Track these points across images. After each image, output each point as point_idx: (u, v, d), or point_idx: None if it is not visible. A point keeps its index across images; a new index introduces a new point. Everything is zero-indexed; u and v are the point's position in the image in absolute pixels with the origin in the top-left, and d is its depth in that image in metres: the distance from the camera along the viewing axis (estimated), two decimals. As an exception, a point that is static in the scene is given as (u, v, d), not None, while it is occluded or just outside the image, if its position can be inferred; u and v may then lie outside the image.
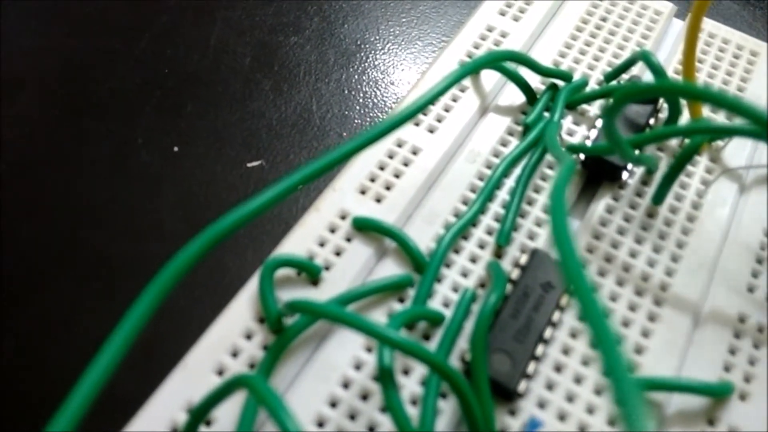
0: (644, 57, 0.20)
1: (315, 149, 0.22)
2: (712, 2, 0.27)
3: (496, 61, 0.20)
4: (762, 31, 0.27)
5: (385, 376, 0.14)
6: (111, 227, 0.21)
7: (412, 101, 0.17)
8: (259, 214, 0.14)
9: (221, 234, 0.13)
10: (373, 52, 0.25)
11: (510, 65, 0.21)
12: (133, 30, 0.25)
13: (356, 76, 0.24)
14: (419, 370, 0.16)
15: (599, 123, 0.20)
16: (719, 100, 0.12)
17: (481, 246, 0.18)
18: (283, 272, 0.17)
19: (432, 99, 0.17)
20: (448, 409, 0.15)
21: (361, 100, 0.24)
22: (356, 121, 0.23)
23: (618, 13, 0.24)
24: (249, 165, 0.22)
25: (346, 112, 0.23)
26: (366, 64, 0.25)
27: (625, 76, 0.22)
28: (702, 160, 0.20)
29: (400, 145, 0.20)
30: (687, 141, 0.20)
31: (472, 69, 0.19)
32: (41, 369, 0.18)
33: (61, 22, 0.25)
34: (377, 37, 0.26)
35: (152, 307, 0.12)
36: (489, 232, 0.19)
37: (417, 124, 0.20)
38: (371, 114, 0.23)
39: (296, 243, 0.18)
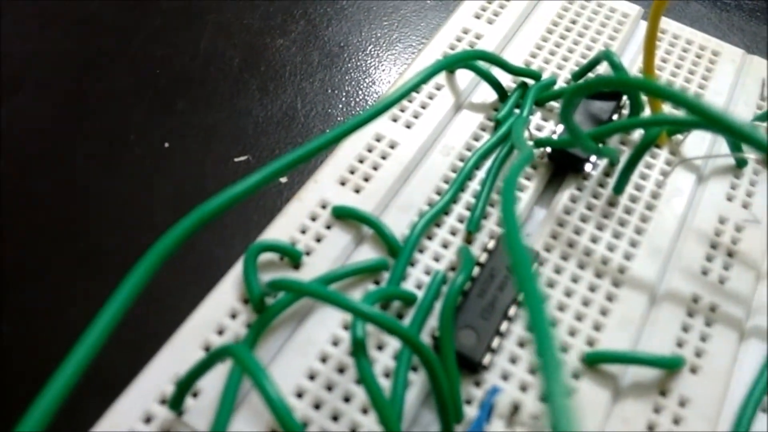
0: (607, 56, 0.21)
1: (299, 144, 0.24)
2: (679, 2, 0.29)
3: (468, 59, 0.21)
4: (727, 32, 0.29)
5: (358, 349, 0.15)
6: (105, 219, 0.22)
7: (388, 93, 0.18)
8: (241, 198, 0.15)
9: (204, 217, 0.14)
10: (355, 53, 0.26)
11: (482, 65, 0.22)
12: (127, 32, 0.27)
13: (339, 76, 0.26)
14: (392, 345, 0.17)
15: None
16: (652, 89, 0.13)
17: (453, 233, 0.20)
18: (266, 257, 0.19)
19: (407, 92, 0.19)
20: (418, 381, 0.17)
21: (343, 99, 0.25)
22: (339, 118, 0.24)
23: (587, 16, 0.25)
24: (236, 160, 0.23)
25: (329, 110, 0.25)
26: (348, 65, 0.26)
27: (591, 75, 0.23)
28: (662, 153, 0.21)
29: (378, 140, 0.21)
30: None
31: (444, 66, 0.20)
32: (36, 353, 0.20)
33: (58, 24, 0.27)
34: (360, 39, 0.27)
35: (139, 284, 0.13)
36: (460, 220, 0.20)
37: (395, 120, 0.22)
38: (353, 111, 0.25)
39: (279, 230, 0.19)
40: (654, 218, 0.20)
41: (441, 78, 0.23)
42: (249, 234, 0.20)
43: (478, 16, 0.25)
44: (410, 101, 0.22)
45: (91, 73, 0.25)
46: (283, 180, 0.23)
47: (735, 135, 0.13)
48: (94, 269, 0.21)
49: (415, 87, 0.19)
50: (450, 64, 0.21)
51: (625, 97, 0.22)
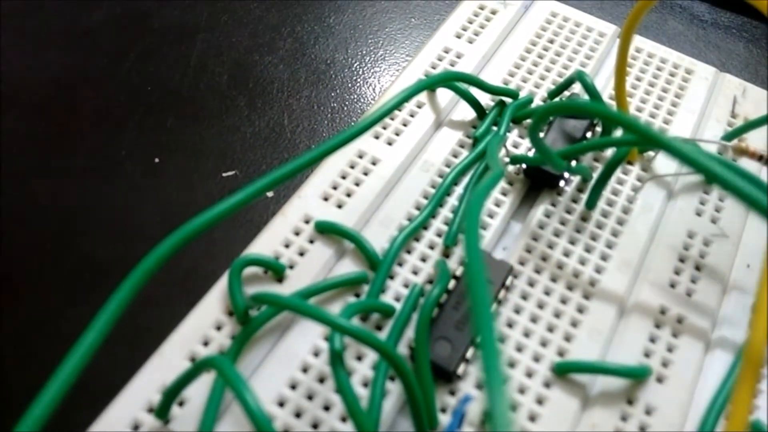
0: (579, 77, 0.22)
1: (286, 160, 0.24)
2: (657, 20, 0.29)
3: (447, 80, 0.22)
4: (704, 50, 0.30)
5: (336, 361, 0.16)
6: (96, 233, 0.23)
7: (370, 112, 0.19)
8: (226, 215, 0.16)
9: (188, 235, 0.15)
10: (341, 70, 0.27)
11: (462, 84, 0.23)
12: (119, 51, 0.27)
13: (325, 93, 0.26)
14: (371, 355, 0.18)
15: (541, 136, 0.22)
16: (604, 115, 0.14)
17: (431, 247, 0.20)
18: (251, 271, 0.19)
19: (388, 111, 0.19)
20: (395, 389, 0.17)
21: (329, 116, 0.26)
22: (324, 134, 0.25)
23: (565, 35, 0.26)
24: (224, 175, 0.24)
25: (315, 126, 0.25)
26: (334, 82, 0.27)
27: (567, 93, 0.24)
28: (634, 169, 0.22)
29: (360, 156, 0.22)
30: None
31: (424, 87, 0.21)
32: (27, 365, 0.20)
33: (52, 43, 0.27)
34: (346, 57, 0.28)
35: (126, 299, 0.14)
36: (439, 234, 0.21)
37: (377, 137, 0.23)
38: (338, 128, 0.25)
39: (264, 245, 0.20)
40: (625, 233, 0.21)
41: (422, 96, 0.23)
42: (235, 247, 0.20)
43: (459, 36, 0.26)
44: (392, 119, 0.23)
45: (84, 91, 0.26)
46: (270, 194, 0.23)
47: (673, 153, 0.14)
48: (86, 282, 0.22)
49: (396, 106, 0.20)
50: (429, 85, 0.21)
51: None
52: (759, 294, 0.13)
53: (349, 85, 0.27)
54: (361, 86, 0.27)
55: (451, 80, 0.22)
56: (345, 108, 0.26)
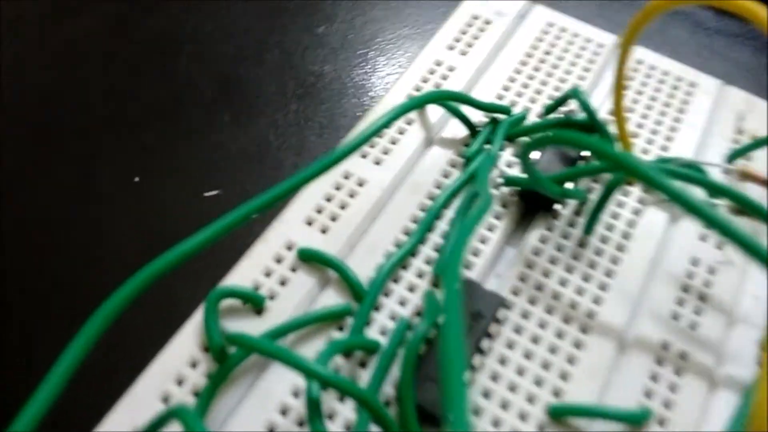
0: (575, 95, 0.21)
1: (271, 178, 0.23)
2: (660, 28, 0.28)
3: (437, 100, 0.21)
4: (708, 59, 0.29)
5: (313, 410, 0.15)
6: (71, 255, 0.22)
7: (353, 136, 0.18)
8: (205, 245, 0.15)
9: (163, 268, 0.14)
10: (330, 83, 0.26)
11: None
12: (102, 61, 0.26)
13: (312, 107, 0.25)
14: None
15: (537, 156, 0.21)
16: (596, 150, 0.13)
17: (420, 275, 0.19)
18: (229, 301, 0.18)
19: (373, 133, 0.18)
20: (379, 434, 0.16)
21: (317, 131, 0.25)
22: (312, 151, 0.24)
23: (561, 47, 0.25)
24: (206, 195, 0.23)
25: (303, 143, 0.24)
26: (323, 95, 0.26)
27: (564, 108, 0.23)
28: (634, 191, 0.21)
29: (346, 177, 0.21)
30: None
31: (412, 107, 0.20)
32: None
33: (34, 54, 0.26)
34: (335, 69, 0.27)
35: (95, 334, 0.13)
36: (428, 262, 0.19)
37: (364, 156, 0.21)
38: (327, 144, 0.24)
39: (243, 273, 0.19)
40: (624, 260, 0.20)
41: (411, 113, 0.22)
42: (215, 272, 0.19)
43: (451, 47, 0.25)
44: (380, 136, 0.22)
45: (63, 104, 0.25)
46: (253, 216, 0.22)
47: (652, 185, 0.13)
48: (59, 307, 0.21)
49: (382, 128, 0.19)
50: (417, 105, 0.20)
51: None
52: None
53: (339, 98, 0.26)
54: (351, 99, 0.26)
55: (440, 99, 0.21)
56: (334, 123, 0.25)
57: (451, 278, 0.12)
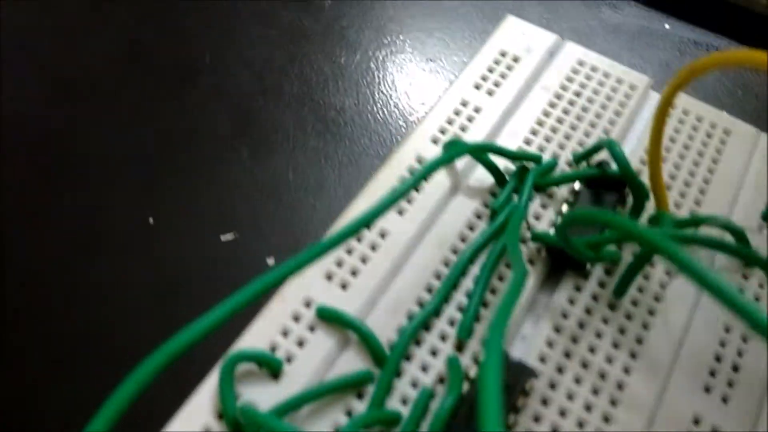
0: (609, 146, 0.20)
1: (288, 221, 0.23)
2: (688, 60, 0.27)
3: (463, 153, 0.20)
4: (742, 99, 0.28)
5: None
6: (81, 303, 0.21)
7: (357, 215, 0.17)
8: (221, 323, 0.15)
9: (173, 354, 0.14)
10: (351, 118, 0.26)
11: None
12: (116, 93, 0.26)
13: (333, 144, 0.25)
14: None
15: (564, 208, 0.21)
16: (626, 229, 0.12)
17: (443, 337, 0.19)
18: (245, 365, 0.18)
19: (393, 201, 0.18)
20: None
21: (336, 171, 0.24)
22: (331, 192, 0.24)
23: (592, 87, 0.24)
24: (223, 239, 0.22)
25: (322, 183, 0.24)
26: (343, 132, 0.25)
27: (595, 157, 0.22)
28: (667, 249, 0.20)
29: (368, 227, 0.20)
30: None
31: (436, 167, 0.19)
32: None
33: (44, 85, 0.26)
34: (356, 103, 0.26)
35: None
36: (451, 322, 0.19)
37: (387, 205, 0.21)
38: (346, 184, 0.24)
39: (260, 333, 0.18)
40: (656, 325, 0.19)
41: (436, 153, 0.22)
42: (231, 330, 0.19)
43: (477, 86, 0.24)
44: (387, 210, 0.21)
45: (78, 140, 0.24)
46: (270, 262, 0.22)
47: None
48: (64, 359, 0.20)
49: (408, 190, 0.18)
50: (445, 162, 0.20)
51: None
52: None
53: (360, 135, 0.25)
54: (373, 136, 0.25)
55: (469, 153, 0.20)
56: (354, 162, 0.24)
57: (491, 384, 0.12)
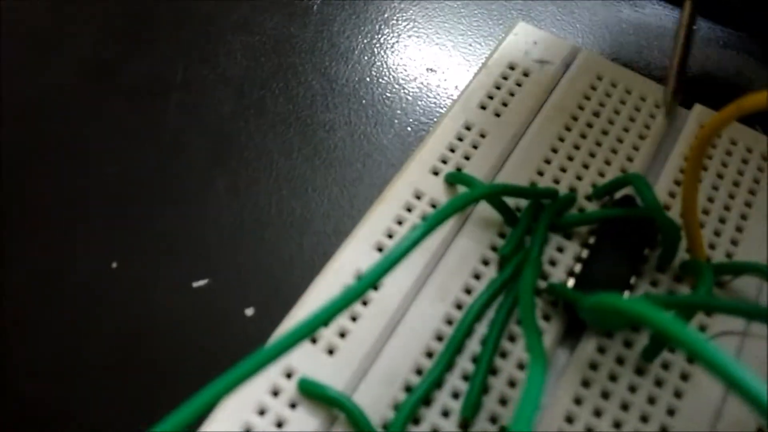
0: (635, 181, 0.18)
1: (269, 264, 0.20)
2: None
3: (468, 204, 0.18)
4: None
5: None
6: (30, 359, 0.19)
7: (339, 295, 0.15)
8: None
9: None
10: (342, 140, 0.23)
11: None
12: (80, 116, 0.23)
13: (322, 172, 0.22)
14: None
15: (584, 254, 0.18)
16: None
17: (445, 413, 0.16)
18: (215, 452, 0.15)
19: (388, 268, 0.15)
20: None
21: (325, 202, 0.21)
22: (319, 230, 0.21)
23: (612, 106, 0.21)
24: (195, 285, 0.20)
25: (309, 217, 0.21)
26: (333, 156, 0.22)
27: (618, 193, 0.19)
28: (701, 318, 0.18)
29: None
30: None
31: (440, 221, 0.16)
32: None
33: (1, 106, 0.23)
34: (348, 121, 0.23)
35: None
36: (455, 395, 0.16)
37: (379, 249, 0.18)
38: (335, 220, 0.21)
39: (233, 412, 0.16)
40: (689, 393, 0.16)
41: (438, 193, 0.19)
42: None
43: (483, 106, 0.21)
44: (400, 223, 0.19)
45: (35, 170, 0.22)
46: (249, 313, 0.19)
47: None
48: (15, 426, 0.18)
49: (410, 249, 0.15)
50: (452, 213, 0.17)
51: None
52: None
53: (352, 160, 0.22)
54: (366, 162, 0.22)
55: (479, 199, 0.18)
56: (345, 194, 0.22)
57: None
